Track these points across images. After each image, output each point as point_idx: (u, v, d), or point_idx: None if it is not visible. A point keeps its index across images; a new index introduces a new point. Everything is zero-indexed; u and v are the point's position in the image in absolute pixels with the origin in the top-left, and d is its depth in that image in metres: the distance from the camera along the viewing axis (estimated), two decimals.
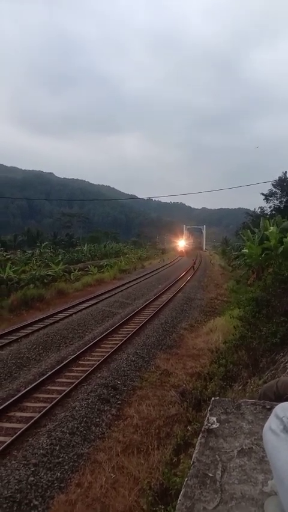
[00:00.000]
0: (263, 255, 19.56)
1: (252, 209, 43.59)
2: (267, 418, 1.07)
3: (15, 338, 12.90)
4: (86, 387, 8.94)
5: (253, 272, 22.20)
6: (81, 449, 6.61)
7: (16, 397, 8.25)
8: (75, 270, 33.31)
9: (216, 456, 1.24)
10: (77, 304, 19.32)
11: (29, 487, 5.46)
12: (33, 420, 7.22)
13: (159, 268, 41.75)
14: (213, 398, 1.59)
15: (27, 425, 7.06)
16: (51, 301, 21.15)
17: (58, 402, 8.06)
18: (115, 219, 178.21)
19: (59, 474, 5.90)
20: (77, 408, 7.82)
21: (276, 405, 1.09)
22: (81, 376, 9.44)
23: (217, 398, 1.59)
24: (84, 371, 9.89)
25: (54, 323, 15.22)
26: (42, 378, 9.31)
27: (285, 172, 34.96)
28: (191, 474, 1.15)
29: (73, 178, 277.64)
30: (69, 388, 8.71)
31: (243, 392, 7.06)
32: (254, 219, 35.20)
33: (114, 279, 31.71)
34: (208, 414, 1.46)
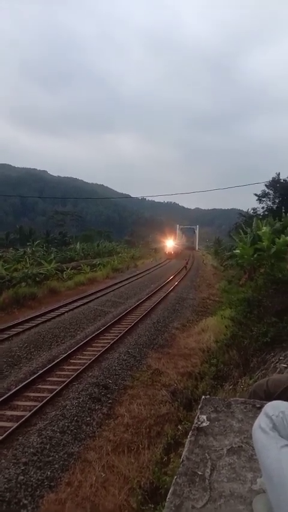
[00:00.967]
0: (255, 256, 19.67)
1: (245, 210, 43.80)
2: (257, 417, 1.08)
3: (6, 336, 12.81)
4: (77, 386, 8.91)
5: (245, 272, 22.33)
6: (72, 448, 6.59)
7: (7, 395, 8.20)
8: (67, 268, 33.16)
9: (206, 454, 1.24)
10: (69, 303, 19.26)
11: (18, 486, 5.43)
12: (23, 419, 7.18)
13: (152, 268, 41.78)
14: (203, 397, 1.60)
15: (18, 423, 7.02)
16: (43, 299, 21.04)
17: (49, 401, 8.03)
18: (108, 217, 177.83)
19: (49, 473, 5.87)
20: (68, 407, 7.79)
21: (266, 403, 1.09)
22: (73, 375, 9.41)
23: (207, 396, 1.60)
24: (76, 369, 9.86)
25: (46, 321, 15.15)
26: (33, 377, 9.26)
27: (279, 173, 35.18)
28: (180, 472, 1.15)
29: (67, 177, 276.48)
30: (60, 387, 8.67)
31: (233, 392, 7.10)
32: (246, 220, 35.35)
33: (106, 278, 31.66)
34: (198, 412, 1.46)
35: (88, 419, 7.57)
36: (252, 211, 38.84)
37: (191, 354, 11.40)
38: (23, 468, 5.78)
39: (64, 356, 10.86)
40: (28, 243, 56.46)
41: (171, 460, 5.62)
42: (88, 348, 11.85)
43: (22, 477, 5.60)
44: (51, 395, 8.25)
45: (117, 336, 12.88)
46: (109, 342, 12.14)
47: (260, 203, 36.38)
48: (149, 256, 64.54)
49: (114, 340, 12.37)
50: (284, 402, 1.08)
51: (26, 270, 26.90)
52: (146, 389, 8.98)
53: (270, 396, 1.46)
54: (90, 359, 10.56)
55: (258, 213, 35.84)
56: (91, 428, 7.28)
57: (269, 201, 35.78)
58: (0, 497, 5.14)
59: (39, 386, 8.96)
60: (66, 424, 7.18)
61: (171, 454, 5.92)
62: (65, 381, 9.05)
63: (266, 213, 33.45)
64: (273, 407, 1.05)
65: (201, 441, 1.31)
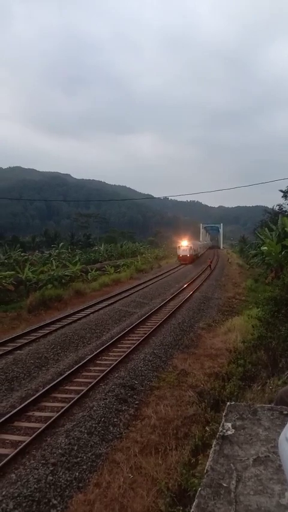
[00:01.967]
0: (282, 253, 19.23)
1: (270, 206, 42.91)
2: (285, 424, 1.03)
3: (33, 337, 13.05)
4: (103, 387, 8.96)
5: (272, 271, 21.87)
6: (99, 449, 6.63)
7: (35, 397, 8.34)
8: (92, 270, 33.53)
9: (231, 464, 1.19)
10: (94, 304, 19.43)
11: (47, 486, 5.50)
12: (51, 420, 7.28)
13: (176, 268, 41.61)
14: (228, 403, 1.55)
15: (46, 424, 7.12)
16: (69, 301, 21.33)
17: (76, 402, 8.10)
18: (131, 218, 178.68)
19: (77, 474, 5.92)
20: (94, 408, 7.84)
21: None
22: (99, 376, 9.47)
23: (232, 402, 1.55)
24: (102, 370, 9.92)
25: (72, 322, 15.34)
26: (60, 378, 9.38)
27: None
28: (204, 484, 1.11)
29: (89, 179, 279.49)
30: (87, 388, 8.74)
31: (262, 393, 6.95)
32: (272, 217, 34.66)
33: (130, 279, 31.76)
34: (223, 420, 1.42)
35: (115, 420, 7.59)
36: (278, 207, 38.03)
37: (217, 355, 11.26)
38: (51, 469, 5.85)
39: (90, 357, 10.95)
40: (53, 246, 57.54)
41: (199, 461, 5.56)
42: (114, 349, 11.90)
43: (51, 477, 5.67)
44: (78, 396, 8.33)
45: (143, 336, 12.88)
46: (134, 343, 12.15)
47: (285, 199, 35.54)
48: (173, 256, 64.31)
49: (140, 341, 12.37)
50: None
51: (52, 272, 27.40)
52: (172, 390, 8.93)
53: None
54: (116, 360, 10.60)
55: (284, 209, 35.05)
56: (118, 429, 7.30)
57: None
58: (30, 497, 5.22)
59: (66, 387, 9.07)
60: (94, 425, 7.22)
61: (199, 455, 5.85)
62: (91, 382, 9.12)
63: None
64: None
65: (226, 450, 1.27)
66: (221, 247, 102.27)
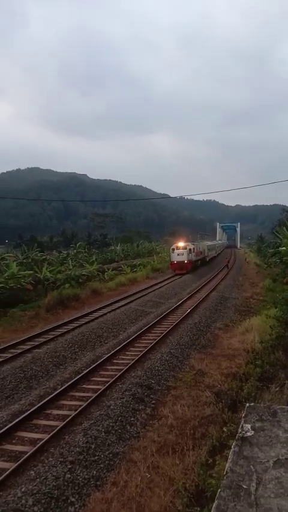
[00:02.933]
0: None
1: None
2: None
3: (52, 336, 13.21)
4: (120, 386, 8.99)
5: None
6: (117, 448, 6.66)
7: (53, 395, 8.44)
8: (108, 269, 33.70)
9: (251, 466, 1.18)
10: (111, 304, 19.53)
11: (66, 484, 5.56)
12: (69, 418, 7.35)
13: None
14: (247, 404, 1.54)
15: (64, 422, 7.20)
16: (86, 300, 21.50)
17: (93, 401, 8.16)
18: (147, 218, 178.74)
19: (95, 472, 5.96)
20: (112, 407, 7.88)
21: None
22: (116, 375, 9.51)
23: (252, 404, 1.53)
24: (119, 370, 9.96)
25: (89, 321, 15.45)
26: (77, 377, 9.47)
27: None
28: (224, 485, 1.10)
29: (106, 179, 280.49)
30: (105, 387, 8.79)
31: (280, 394, 6.86)
32: None
33: (147, 278, 31.78)
34: (242, 421, 1.40)
35: (132, 419, 7.61)
36: None
37: (234, 355, 11.15)
38: (69, 467, 5.91)
39: (107, 356, 11.01)
40: (71, 245, 58.10)
41: (217, 462, 5.52)
42: (131, 349, 11.93)
43: (69, 475, 5.73)
44: (96, 394, 8.39)
45: (159, 336, 12.87)
46: (151, 343, 12.15)
47: None
48: None
49: (156, 340, 12.37)
50: None
51: (69, 272, 27.67)
52: (189, 390, 8.90)
53: None
54: (133, 359, 10.63)
55: None
56: (135, 429, 7.32)
57: None
58: (49, 494, 5.29)
59: (84, 386, 9.15)
60: (111, 424, 7.26)
61: (217, 456, 5.82)
62: (108, 381, 9.17)
63: None
64: None
65: (245, 452, 1.26)
66: (238, 246, 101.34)
